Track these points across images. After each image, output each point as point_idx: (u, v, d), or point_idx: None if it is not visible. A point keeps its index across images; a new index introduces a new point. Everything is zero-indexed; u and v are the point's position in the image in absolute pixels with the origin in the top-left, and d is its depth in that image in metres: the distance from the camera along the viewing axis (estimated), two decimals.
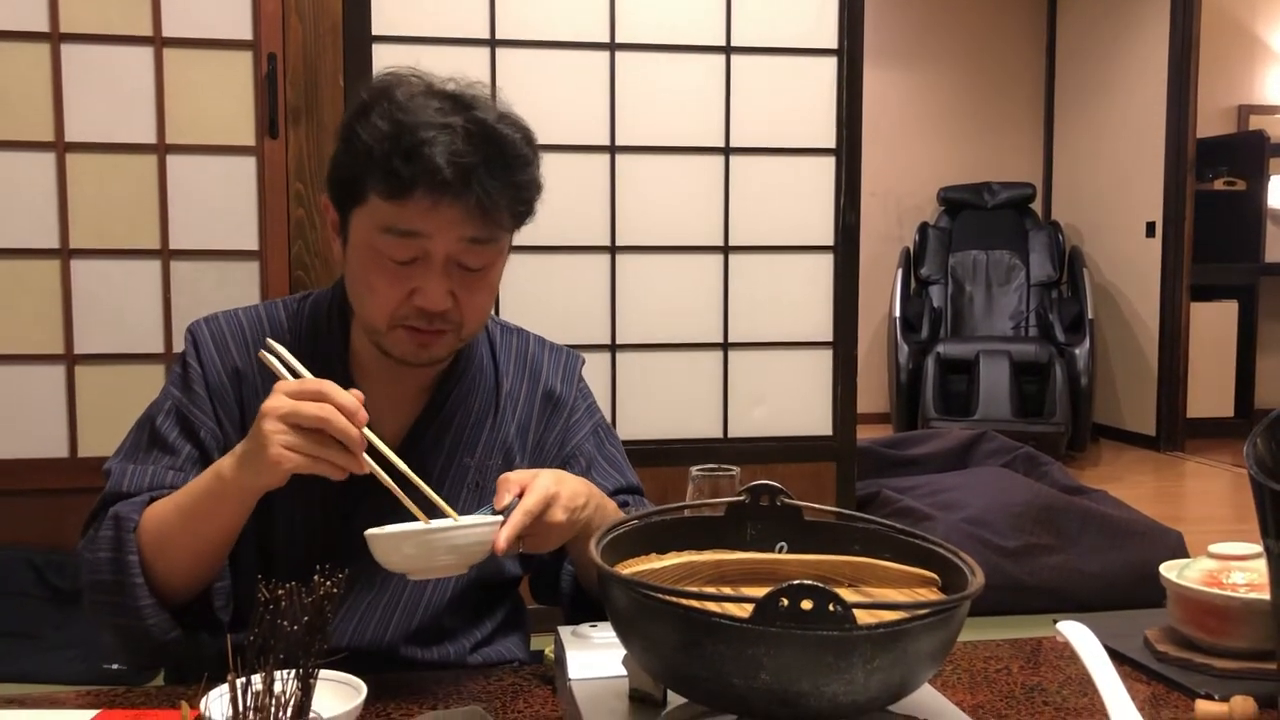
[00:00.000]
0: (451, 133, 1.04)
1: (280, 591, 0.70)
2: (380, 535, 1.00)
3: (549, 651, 1.08)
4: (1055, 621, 1.21)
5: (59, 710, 1.01)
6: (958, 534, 3.31)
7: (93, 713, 1.00)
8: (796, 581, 0.66)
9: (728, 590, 0.79)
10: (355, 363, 1.19)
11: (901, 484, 3.75)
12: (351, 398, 0.96)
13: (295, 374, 1.03)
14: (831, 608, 0.66)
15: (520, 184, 1.09)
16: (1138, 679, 1.11)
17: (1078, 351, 5.68)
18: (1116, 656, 1.10)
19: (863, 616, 0.67)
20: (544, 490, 1.03)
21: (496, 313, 2.95)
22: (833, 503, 3.20)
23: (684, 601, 0.69)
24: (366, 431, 0.97)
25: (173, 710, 1.00)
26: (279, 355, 1.04)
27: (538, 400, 1.28)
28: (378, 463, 1.01)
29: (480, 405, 1.23)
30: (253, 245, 2.88)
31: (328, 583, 0.73)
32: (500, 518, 1.00)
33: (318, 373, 1.01)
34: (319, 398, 0.95)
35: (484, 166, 1.05)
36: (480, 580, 1.23)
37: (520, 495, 1.02)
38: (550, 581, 1.28)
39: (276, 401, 0.95)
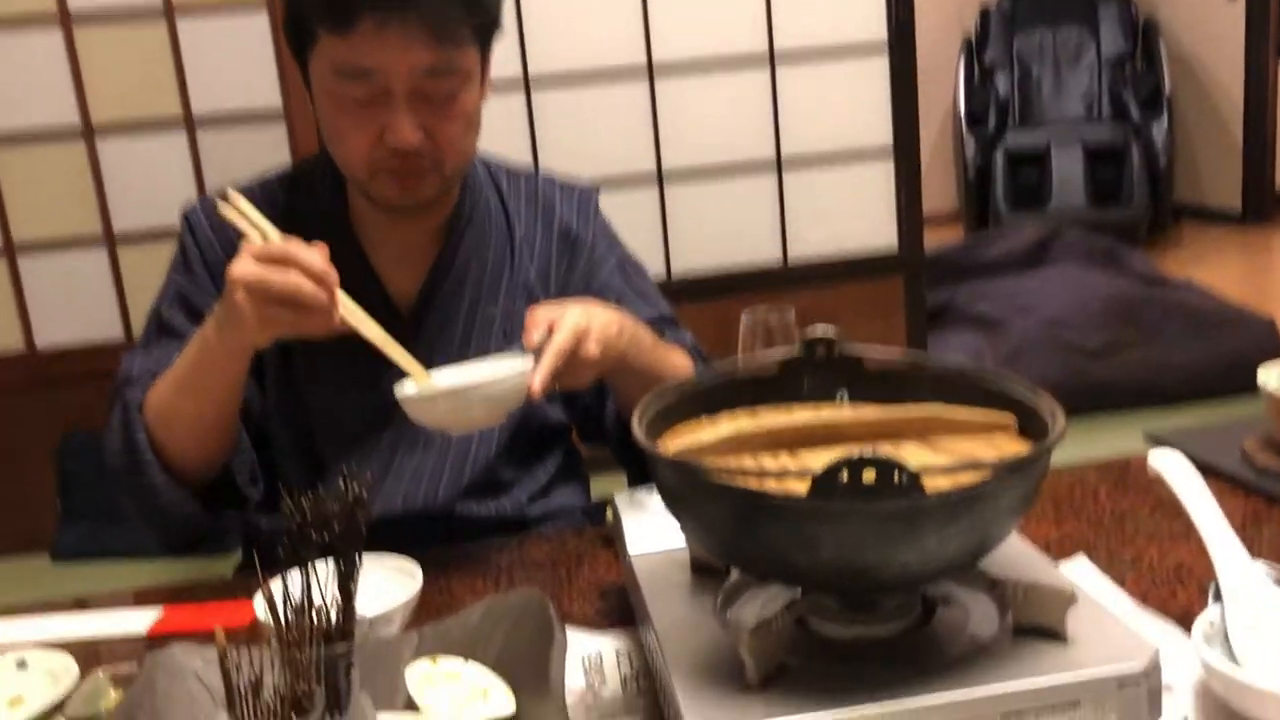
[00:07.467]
0: None
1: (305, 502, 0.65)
2: (413, 397, 0.97)
3: (610, 514, 1.04)
4: (1145, 436, 1.14)
5: (123, 610, 1.01)
6: (1036, 336, 3.22)
7: (156, 611, 1.00)
8: (857, 454, 0.59)
9: (786, 457, 0.73)
10: (357, 222, 1.17)
11: (974, 290, 3.62)
12: (320, 260, 0.92)
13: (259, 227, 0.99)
14: (896, 478, 0.59)
15: None
16: (1235, 494, 1.04)
17: (1155, 129, 5.38)
18: (1212, 472, 1.03)
19: (934, 481, 0.61)
20: (573, 326, 0.99)
21: None
22: (902, 319, 3.11)
23: (736, 482, 0.64)
24: (341, 295, 0.95)
25: (239, 601, 0.99)
26: (241, 210, 0.99)
27: (555, 241, 1.23)
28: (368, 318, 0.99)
29: (496, 253, 1.20)
30: (276, 103, 2.81)
31: (355, 485, 0.68)
32: (532, 360, 0.97)
33: (323, 239, 0.96)
34: (286, 262, 0.91)
35: None
36: (525, 429, 1.21)
37: (550, 332, 0.99)
38: (595, 423, 1.26)
39: (244, 269, 0.92)
